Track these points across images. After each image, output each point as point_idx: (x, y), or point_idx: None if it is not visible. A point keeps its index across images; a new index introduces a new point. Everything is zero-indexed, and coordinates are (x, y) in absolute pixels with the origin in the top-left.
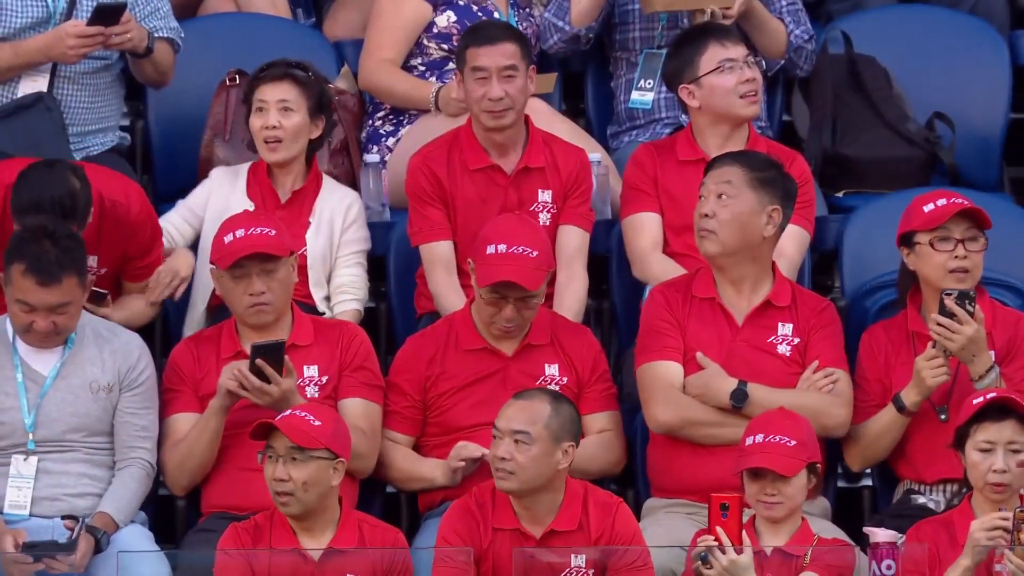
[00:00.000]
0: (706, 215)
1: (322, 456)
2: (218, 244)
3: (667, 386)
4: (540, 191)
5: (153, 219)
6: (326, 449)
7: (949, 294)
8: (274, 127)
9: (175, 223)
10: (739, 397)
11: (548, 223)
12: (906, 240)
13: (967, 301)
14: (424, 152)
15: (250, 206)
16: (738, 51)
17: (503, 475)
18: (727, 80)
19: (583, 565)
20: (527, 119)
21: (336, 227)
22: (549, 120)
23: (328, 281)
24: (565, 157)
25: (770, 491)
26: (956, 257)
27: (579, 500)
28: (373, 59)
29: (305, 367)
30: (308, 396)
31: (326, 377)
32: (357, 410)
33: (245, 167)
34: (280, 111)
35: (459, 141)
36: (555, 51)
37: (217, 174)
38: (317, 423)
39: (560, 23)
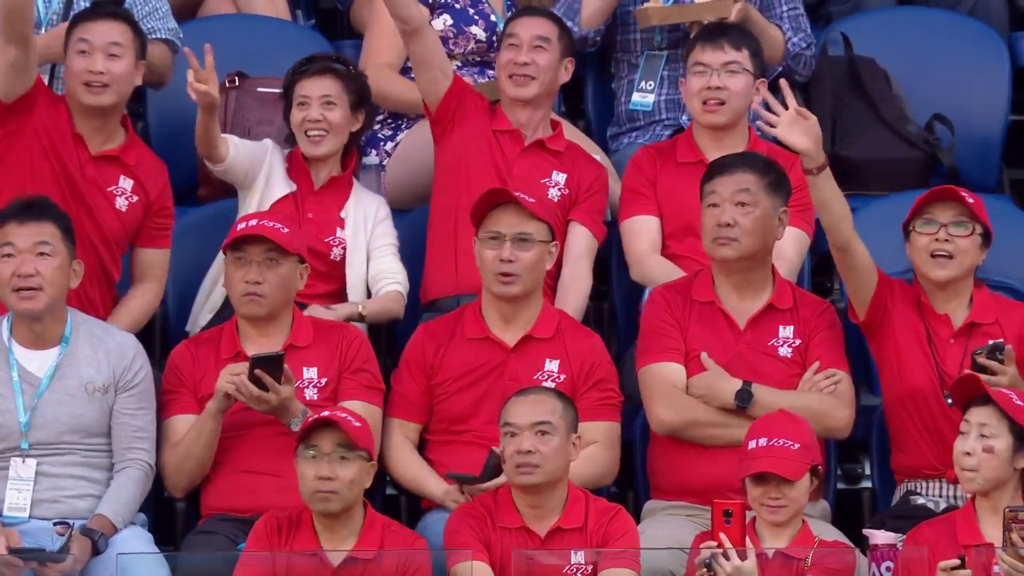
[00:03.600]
0: (728, 224)
1: (363, 456)
2: (231, 231)
3: (669, 387)
4: (555, 172)
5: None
6: (366, 450)
7: (979, 353)
8: (317, 120)
9: (237, 140)
10: (743, 398)
11: (557, 199)
12: (906, 232)
13: (997, 352)
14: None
15: (292, 185)
16: (715, 57)
17: (528, 469)
18: (693, 83)
19: (583, 561)
20: (558, 127)
21: (368, 225)
22: None
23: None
24: (584, 164)
25: (774, 495)
26: (937, 240)
27: (581, 502)
28: (370, 64)
29: (304, 368)
30: (307, 398)
31: (325, 379)
32: (358, 412)
33: (285, 152)
34: (322, 105)
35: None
36: None
37: (270, 144)
38: (358, 424)
39: (568, 24)
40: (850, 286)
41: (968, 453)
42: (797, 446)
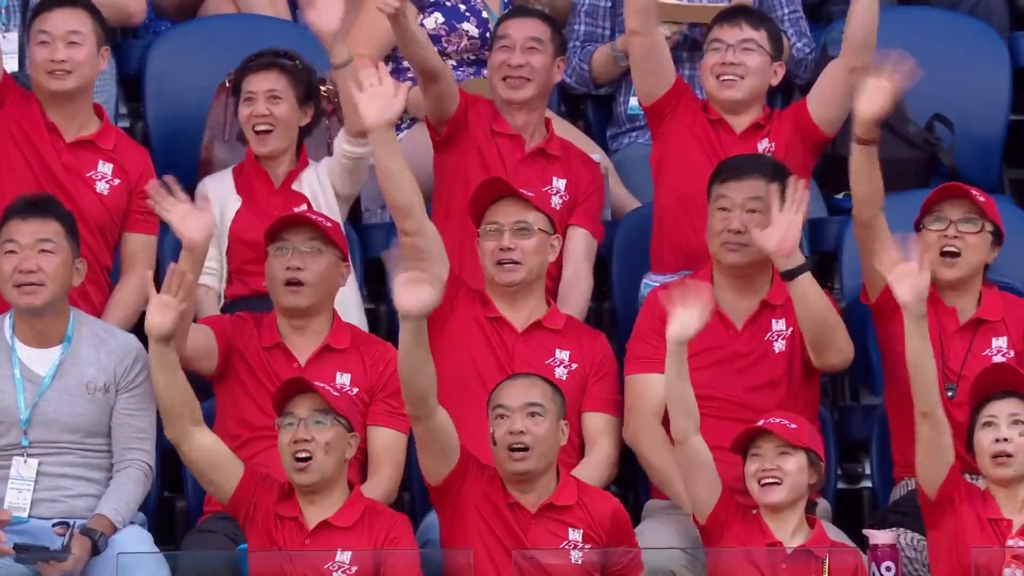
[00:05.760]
0: (739, 231)
1: (341, 423)
2: (272, 221)
3: (643, 404)
4: (555, 178)
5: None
6: (346, 418)
7: None
8: (264, 115)
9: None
10: (797, 271)
11: (559, 207)
12: (917, 229)
13: None
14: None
15: (238, 201)
16: (732, 34)
17: (520, 456)
18: (708, 59)
19: (580, 539)
20: (548, 123)
21: (326, 195)
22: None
23: None
24: (579, 165)
25: (769, 466)
26: (946, 236)
27: (573, 482)
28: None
29: (338, 373)
30: None
31: (356, 389)
32: (385, 441)
33: (228, 169)
34: (269, 100)
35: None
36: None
37: (204, 187)
38: (336, 394)
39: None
40: (869, 266)
41: (1006, 439)
42: (794, 426)
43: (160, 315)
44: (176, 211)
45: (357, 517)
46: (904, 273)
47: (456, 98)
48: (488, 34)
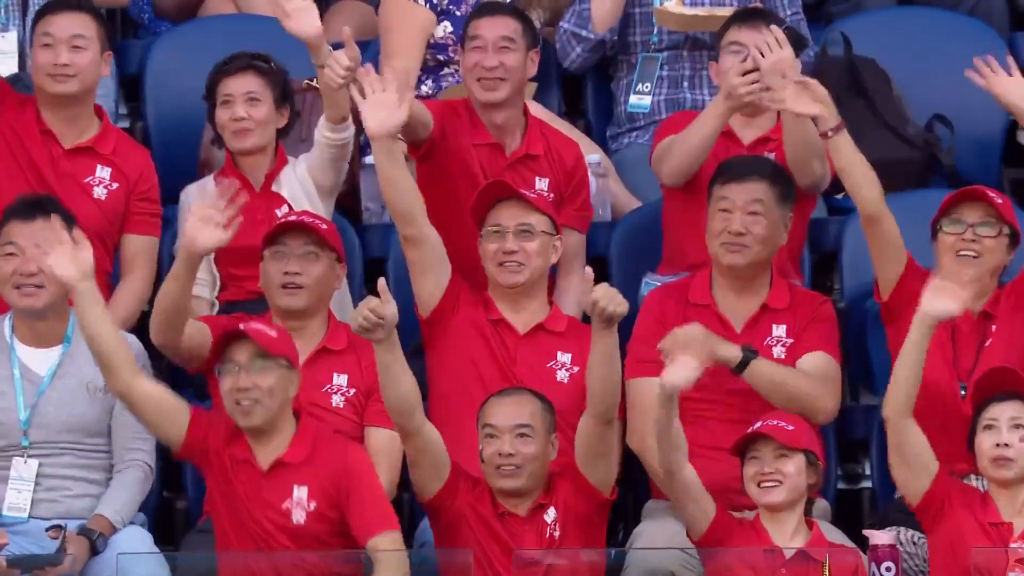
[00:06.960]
0: (740, 232)
1: (282, 364)
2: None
3: (646, 410)
4: (537, 179)
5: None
6: (285, 358)
7: None
8: (242, 118)
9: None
10: (746, 359)
11: None
12: (933, 232)
13: None
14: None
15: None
16: (751, 37)
17: (508, 472)
18: (727, 62)
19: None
20: (524, 108)
21: (307, 192)
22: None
23: None
24: (559, 158)
25: (768, 469)
26: (964, 239)
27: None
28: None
29: (335, 374)
30: (333, 404)
31: (353, 390)
32: (381, 441)
33: (210, 177)
34: (246, 102)
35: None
36: (578, 65)
37: (186, 195)
38: (273, 334)
39: (583, 32)
40: (878, 261)
41: (1006, 444)
42: (792, 427)
43: (70, 261)
44: (200, 215)
45: (309, 449)
46: (945, 289)
47: (429, 123)
48: None
